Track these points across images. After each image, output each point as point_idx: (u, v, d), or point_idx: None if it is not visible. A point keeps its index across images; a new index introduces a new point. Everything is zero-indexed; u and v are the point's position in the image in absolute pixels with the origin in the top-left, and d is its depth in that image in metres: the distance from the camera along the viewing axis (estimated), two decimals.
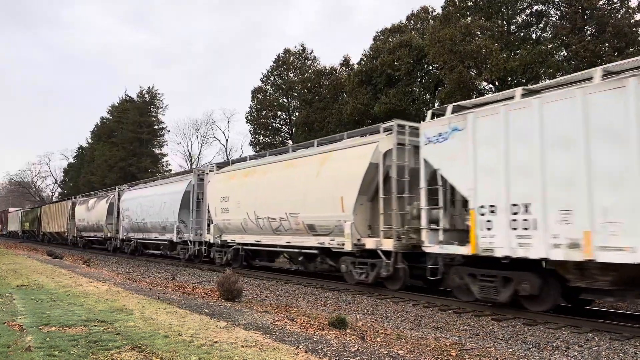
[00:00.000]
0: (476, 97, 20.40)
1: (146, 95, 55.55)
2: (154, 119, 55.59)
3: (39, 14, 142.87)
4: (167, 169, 54.96)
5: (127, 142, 52.13)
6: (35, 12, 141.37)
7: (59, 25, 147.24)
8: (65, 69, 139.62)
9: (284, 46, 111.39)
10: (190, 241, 21.92)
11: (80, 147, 69.29)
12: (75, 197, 41.47)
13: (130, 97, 56.68)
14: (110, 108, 59.34)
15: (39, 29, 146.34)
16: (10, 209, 75.30)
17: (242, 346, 6.18)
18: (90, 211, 34.54)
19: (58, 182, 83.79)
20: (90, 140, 64.34)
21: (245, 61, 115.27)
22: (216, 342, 6.36)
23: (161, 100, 56.12)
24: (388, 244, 12.37)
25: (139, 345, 6.10)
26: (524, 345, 7.86)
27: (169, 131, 57.69)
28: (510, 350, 7.58)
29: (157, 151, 56.16)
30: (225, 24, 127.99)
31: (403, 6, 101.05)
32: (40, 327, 7.06)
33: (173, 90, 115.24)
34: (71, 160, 74.52)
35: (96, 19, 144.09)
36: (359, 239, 13.15)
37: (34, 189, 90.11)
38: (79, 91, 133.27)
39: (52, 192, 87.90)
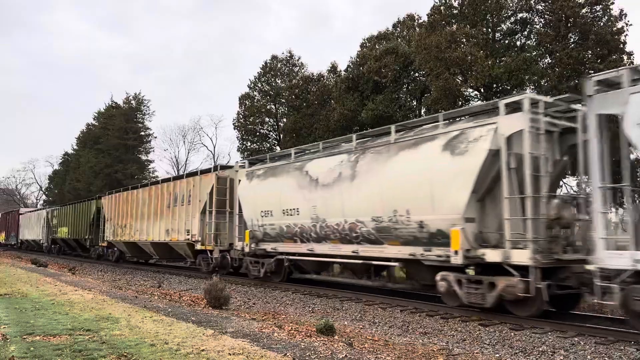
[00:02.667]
0: (462, 104, 20.62)
1: (132, 102, 55.23)
2: (140, 125, 55.24)
3: (15, 20, 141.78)
4: (153, 175, 54.64)
5: (113, 148, 51.69)
6: (11, 17, 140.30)
7: (35, 30, 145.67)
8: (44, 75, 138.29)
9: (263, 52, 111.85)
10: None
11: (66, 154, 68.58)
12: (218, 168, 20.38)
13: (116, 103, 56.29)
14: (96, 114, 58.91)
15: (15, 34, 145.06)
16: (23, 209, 54.04)
17: (230, 354, 6.15)
18: (334, 185, 13.56)
19: (43, 189, 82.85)
20: (75, 147, 63.69)
21: (225, 67, 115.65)
22: (203, 350, 6.32)
23: (147, 107, 55.86)
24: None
25: (125, 354, 6.04)
26: (510, 350, 7.91)
27: (155, 137, 57.24)
28: (497, 355, 7.63)
29: (144, 157, 55.77)
30: (203, 30, 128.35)
31: (379, 13, 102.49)
32: (24, 337, 6.96)
33: (153, 96, 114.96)
34: (56, 167, 73.67)
35: (73, 25, 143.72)
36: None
37: (18, 196, 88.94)
38: (61, 97, 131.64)
39: (36, 199, 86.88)
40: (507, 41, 21.61)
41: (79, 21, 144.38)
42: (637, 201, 12.05)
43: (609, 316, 10.45)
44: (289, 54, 37.44)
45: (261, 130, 37.23)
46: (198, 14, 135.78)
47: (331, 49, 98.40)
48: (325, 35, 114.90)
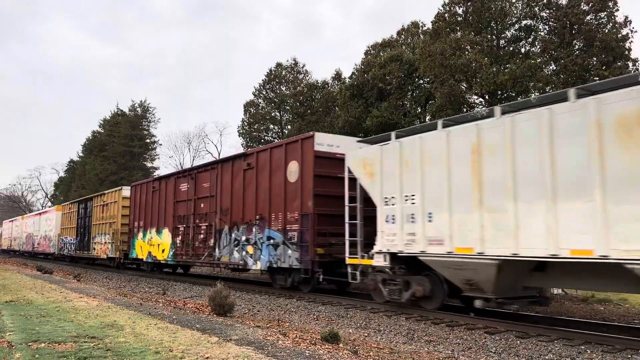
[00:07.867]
0: (467, 110, 20.62)
1: (138, 109, 55.63)
2: (145, 132, 55.59)
3: (10, 29, 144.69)
4: None
5: (118, 155, 52.01)
6: (5, 27, 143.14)
7: (30, 40, 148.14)
8: (39, 84, 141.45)
9: (255, 60, 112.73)
10: None
11: (72, 161, 69.00)
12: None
13: (121, 110, 56.75)
14: (101, 122, 59.35)
15: (11, 43, 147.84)
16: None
17: None
18: None
19: (49, 196, 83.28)
20: (81, 154, 64.12)
21: (219, 74, 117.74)
22: (207, 358, 6.31)
23: (153, 114, 56.25)
24: None
25: None
26: (516, 358, 7.85)
27: (160, 145, 57.74)
28: None
29: (149, 165, 56.05)
30: (194, 39, 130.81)
31: (367, 22, 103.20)
32: (29, 344, 6.97)
33: (152, 103, 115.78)
34: (62, 174, 74.11)
35: (67, 35, 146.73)
36: None
37: (24, 203, 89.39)
38: (57, 105, 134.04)
39: (42, 206, 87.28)
40: (511, 48, 21.64)
41: (72, 31, 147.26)
42: None
43: (617, 324, 10.38)
44: (293, 62, 37.69)
45: (266, 137, 37.40)
46: (189, 23, 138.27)
47: (322, 56, 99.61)
48: (316, 43, 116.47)
